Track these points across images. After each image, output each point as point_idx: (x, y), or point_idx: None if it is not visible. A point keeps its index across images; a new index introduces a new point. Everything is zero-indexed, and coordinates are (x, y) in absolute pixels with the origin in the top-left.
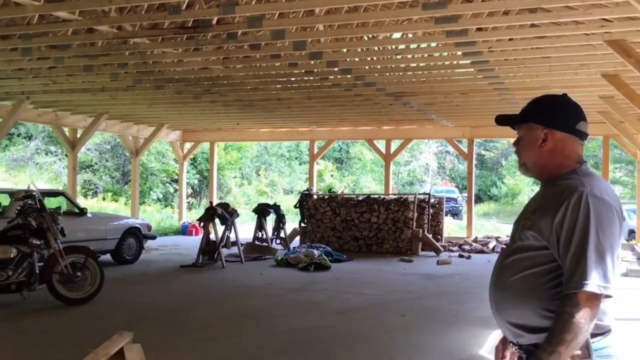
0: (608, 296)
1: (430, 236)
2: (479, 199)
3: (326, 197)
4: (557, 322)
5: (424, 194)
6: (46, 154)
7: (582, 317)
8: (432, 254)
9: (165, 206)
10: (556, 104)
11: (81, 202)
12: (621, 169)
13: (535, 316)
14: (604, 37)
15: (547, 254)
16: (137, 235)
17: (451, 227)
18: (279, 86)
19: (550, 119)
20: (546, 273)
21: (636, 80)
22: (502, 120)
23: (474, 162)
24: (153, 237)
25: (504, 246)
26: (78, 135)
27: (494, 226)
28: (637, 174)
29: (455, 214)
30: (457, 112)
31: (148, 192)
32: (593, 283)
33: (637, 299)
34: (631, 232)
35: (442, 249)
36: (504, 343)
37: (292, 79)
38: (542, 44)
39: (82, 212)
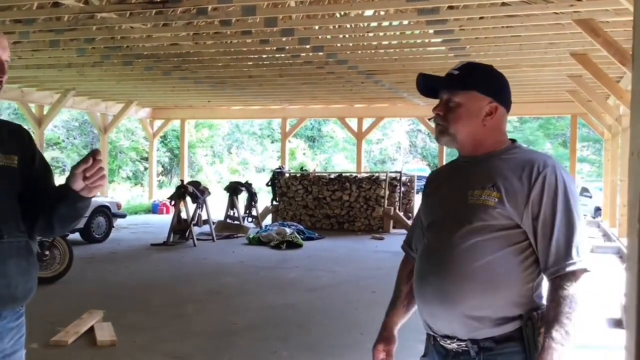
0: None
1: (401, 214)
2: None
3: (298, 175)
4: (558, 305)
5: (396, 172)
6: None
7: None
8: (404, 231)
9: (135, 184)
10: (501, 77)
11: None
12: (589, 147)
13: (506, 304)
14: (572, 17)
15: (519, 233)
16: (106, 213)
17: None
18: (251, 63)
19: (498, 93)
20: (518, 253)
21: (604, 60)
22: (430, 79)
23: None
24: (123, 216)
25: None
26: (45, 112)
27: None
28: (604, 152)
29: None
30: None
31: (117, 170)
32: (585, 259)
33: (602, 274)
34: (597, 209)
35: None
36: (387, 343)
37: (264, 56)
38: (512, 23)
39: None
